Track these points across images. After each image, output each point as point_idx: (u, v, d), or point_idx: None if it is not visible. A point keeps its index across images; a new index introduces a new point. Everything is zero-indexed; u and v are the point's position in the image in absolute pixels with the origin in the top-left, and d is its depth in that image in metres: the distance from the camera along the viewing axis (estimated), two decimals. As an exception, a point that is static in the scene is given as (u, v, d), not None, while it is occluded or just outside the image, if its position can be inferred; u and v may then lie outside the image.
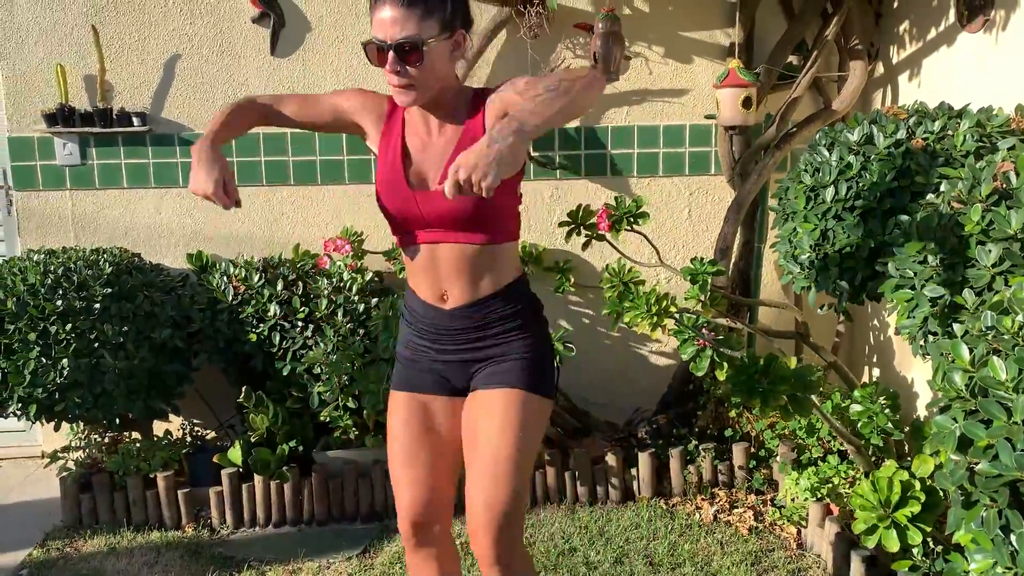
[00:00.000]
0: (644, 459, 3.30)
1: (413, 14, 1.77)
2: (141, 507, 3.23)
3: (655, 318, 2.74)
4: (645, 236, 3.31)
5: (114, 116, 3.52)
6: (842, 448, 3.11)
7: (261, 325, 3.29)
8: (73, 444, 3.34)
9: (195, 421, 3.77)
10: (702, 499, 3.24)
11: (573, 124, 3.70)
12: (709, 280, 3.15)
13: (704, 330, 2.94)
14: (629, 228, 3.17)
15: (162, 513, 3.23)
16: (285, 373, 3.26)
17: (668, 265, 3.40)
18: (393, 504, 3.25)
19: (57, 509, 3.29)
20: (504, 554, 1.87)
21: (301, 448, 3.35)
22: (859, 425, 2.95)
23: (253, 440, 3.30)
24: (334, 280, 3.33)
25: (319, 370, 3.21)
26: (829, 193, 2.54)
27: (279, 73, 3.59)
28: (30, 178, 3.58)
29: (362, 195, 3.66)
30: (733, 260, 3.69)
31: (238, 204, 1.78)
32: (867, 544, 2.28)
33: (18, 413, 3.05)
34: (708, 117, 3.64)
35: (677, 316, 2.83)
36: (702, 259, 3.14)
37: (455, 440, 2.03)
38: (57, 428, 3.16)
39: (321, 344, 3.23)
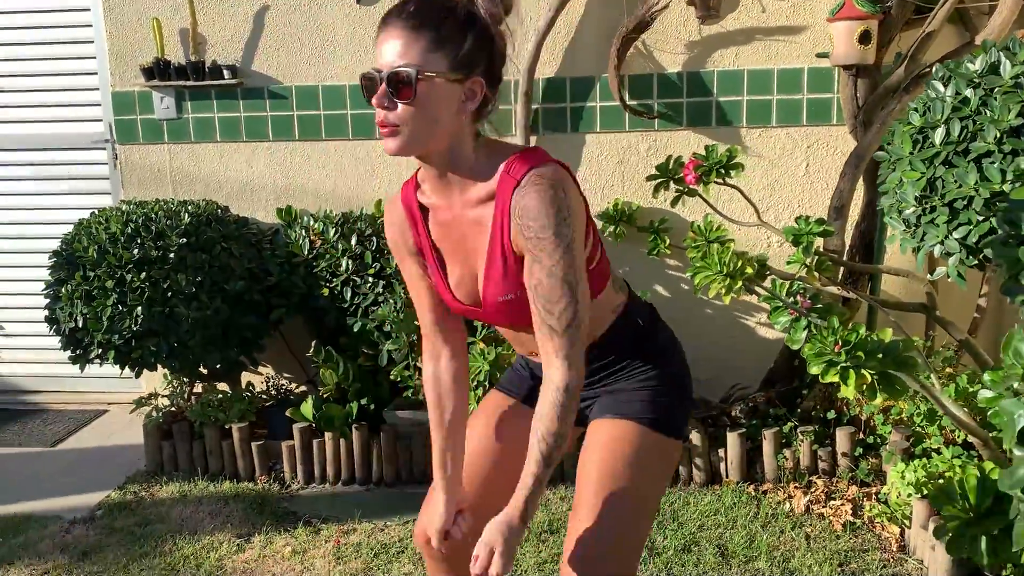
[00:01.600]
0: (733, 439, 2.97)
1: (419, 40, 1.43)
2: (217, 457, 3.26)
3: (729, 280, 2.42)
4: (739, 190, 2.95)
5: (206, 69, 3.53)
6: (970, 440, 2.66)
7: (334, 280, 3.22)
8: (160, 392, 3.42)
9: (285, 375, 3.78)
10: (796, 487, 2.88)
11: (675, 68, 3.37)
12: (814, 242, 2.77)
13: (799, 297, 2.58)
14: (720, 181, 2.83)
15: (236, 464, 3.24)
16: (356, 329, 3.18)
17: (767, 224, 3.03)
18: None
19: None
20: None
21: (373, 407, 3.26)
22: (988, 414, 2.49)
23: (324, 396, 3.25)
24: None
25: (389, 327, 3.11)
26: (939, 134, 2.12)
27: (365, 21, 3.48)
28: (131, 132, 3.67)
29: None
30: (855, 222, 3.25)
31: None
32: (952, 553, 1.90)
33: (99, 359, 3.13)
34: (820, 55, 3.21)
35: (761, 280, 2.49)
36: (807, 218, 2.77)
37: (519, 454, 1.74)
38: (137, 376, 3.23)
39: (391, 300, 3.12)
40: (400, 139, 1.44)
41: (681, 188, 2.99)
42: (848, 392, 2.18)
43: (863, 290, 3.21)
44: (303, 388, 3.69)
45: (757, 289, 2.60)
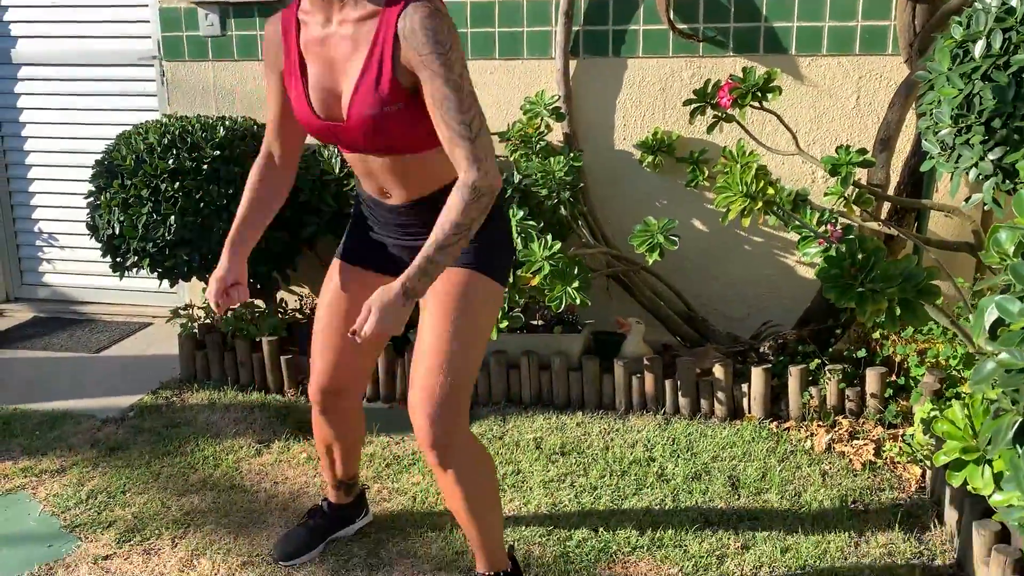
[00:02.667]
0: (757, 374, 2.89)
1: None
2: (248, 368, 3.33)
3: (749, 201, 2.33)
4: (777, 115, 2.83)
5: (249, -14, 3.54)
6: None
7: (363, 198, 3.21)
8: (196, 304, 3.50)
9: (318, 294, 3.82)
10: (819, 426, 2.79)
11: (721, -7, 3.23)
12: (854, 173, 2.65)
13: (830, 227, 2.48)
14: (756, 105, 2.72)
15: (266, 377, 3.31)
16: (384, 249, 3.18)
17: (805, 153, 2.90)
18: (482, 392, 3.12)
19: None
20: (440, 438, 1.80)
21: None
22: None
23: (351, 314, 3.27)
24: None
25: (415, 248, 3.10)
26: (979, 47, 1.98)
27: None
28: (178, 48, 3.71)
29: (493, 71, 3.45)
30: (904, 157, 3.09)
31: (228, 310, 1.86)
32: (952, 482, 1.81)
33: (135, 267, 3.21)
34: (874, -25, 3.03)
35: (780, 204, 2.40)
36: (847, 147, 2.64)
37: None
38: (172, 284, 3.30)
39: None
40: None
41: (718, 114, 2.88)
42: (864, 319, 2.09)
43: (908, 228, 3.07)
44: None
45: (759, 206, 2.50)
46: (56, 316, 4.14)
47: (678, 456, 2.67)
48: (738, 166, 2.46)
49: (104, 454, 2.82)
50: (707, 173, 3.29)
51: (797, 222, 2.49)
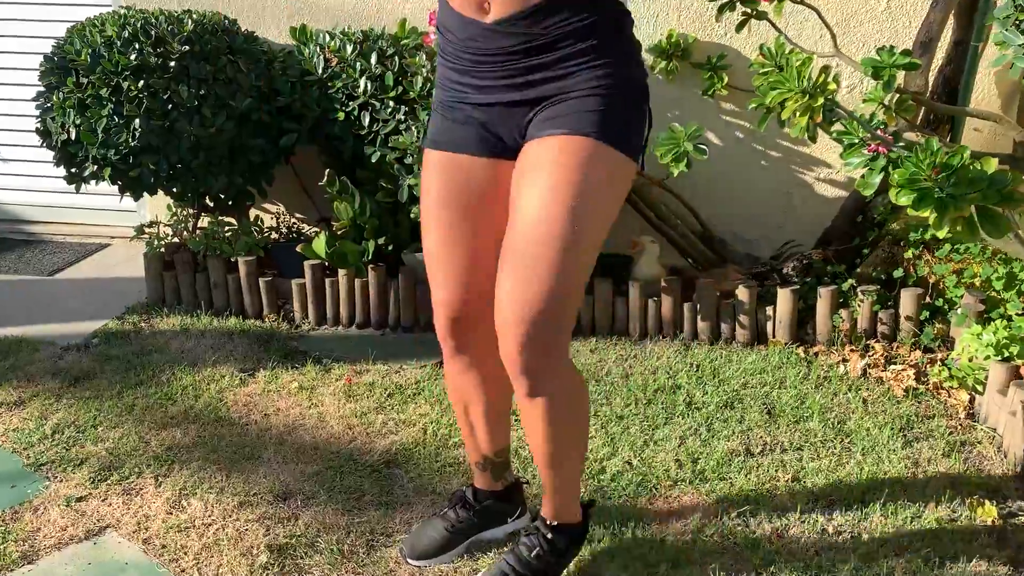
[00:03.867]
0: (784, 296, 2.70)
1: None
2: (223, 291, 3.03)
3: (808, 99, 2.08)
4: (817, 12, 2.57)
5: None
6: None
7: (350, 103, 2.90)
8: (162, 222, 3.17)
9: (296, 214, 3.52)
10: (852, 350, 2.62)
11: None
12: (897, 77, 2.42)
13: (880, 132, 2.26)
14: (798, 0, 2.46)
15: (243, 300, 3.01)
16: (374, 160, 2.88)
17: (843, 55, 2.66)
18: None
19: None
20: (533, 364, 1.44)
21: (391, 248, 3.00)
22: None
23: (338, 232, 2.99)
24: (435, 60, 2.86)
25: (410, 159, 2.81)
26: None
27: None
28: (133, -67, 3.30)
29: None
30: (939, 65, 2.87)
31: None
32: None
33: (95, 178, 2.87)
34: None
35: (840, 111, 2.16)
36: (891, 48, 2.40)
37: (496, 214, 1.55)
38: (136, 198, 2.97)
39: (413, 128, 2.81)
40: None
41: (749, 10, 2.62)
42: (939, 231, 1.89)
43: (943, 137, 2.86)
44: (315, 229, 3.42)
45: (818, 103, 2.26)
46: (2, 237, 3.76)
47: (705, 383, 2.48)
48: (794, 57, 2.21)
49: (68, 384, 2.53)
50: (726, 80, 3.03)
51: (844, 128, 2.26)
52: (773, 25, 2.61)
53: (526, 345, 1.42)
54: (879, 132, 2.27)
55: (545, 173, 1.41)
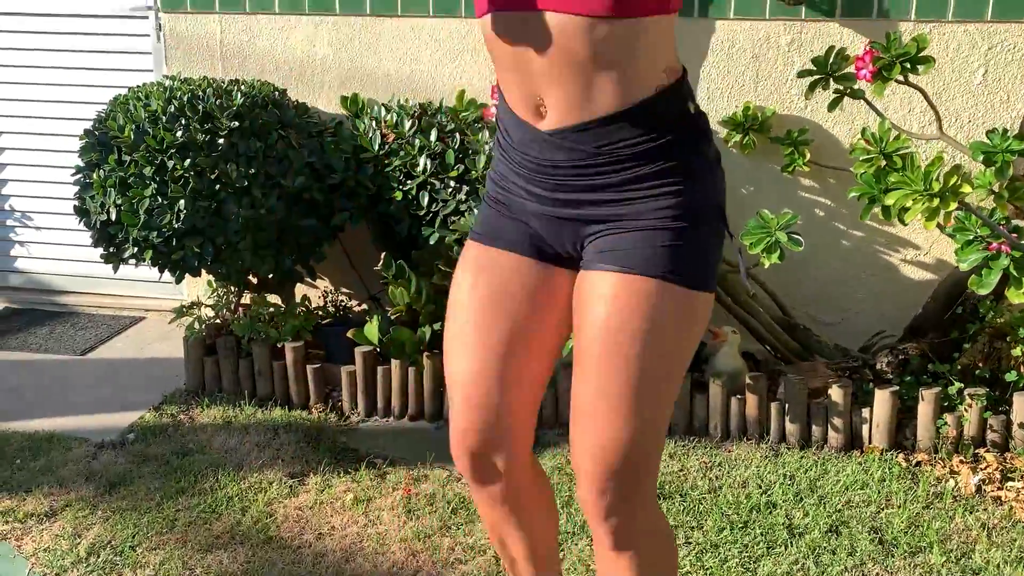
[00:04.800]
0: (882, 398, 2.46)
1: None
2: (267, 379, 2.83)
3: (937, 202, 1.87)
4: (924, 93, 2.37)
5: (266, -76, 2.98)
6: None
7: (409, 182, 2.72)
8: (204, 301, 2.98)
9: (343, 291, 3.33)
10: (960, 461, 2.38)
11: (832, -56, 2.74)
12: (1012, 162, 2.22)
13: (1003, 228, 2.05)
14: (902, 79, 2.26)
15: (289, 388, 2.81)
16: (433, 242, 2.69)
17: (950, 138, 2.45)
18: (549, 413, 2.65)
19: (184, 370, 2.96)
20: (616, 509, 1.26)
21: (447, 333, 2.79)
22: None
23: (392, 317, 2.79)
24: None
25: (472, 241, 2.61)
26: None
27: None
28: (178, -2, 3.15)
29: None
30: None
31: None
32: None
33: (135, 259, 2.69)
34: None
35: (965, 205, 1.95)
36: (1004, 131, 2.20)
37: (545, 327, 1.35)
38: (178, 281, 2.78)
39: (475, 209, 2.61)
40: None
41: (843, 88, 2.42)
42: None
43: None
44: (363, 307, 3.23)
45: (951, 207, 2.05)
46: (32, 308, 3.59)
47: (803, 501, 2.24)
48: (916, 154, 2.01)
49: (103, 491, 2.32)
50: (808, 156, 2.83)
51: (959, 222, 2.05)
52: (871, 106, 2.41)
53: (607, 490, 1.26)
54: (1001, 228, 2.06)
55: (614, 316, 1.23)
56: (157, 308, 3.50)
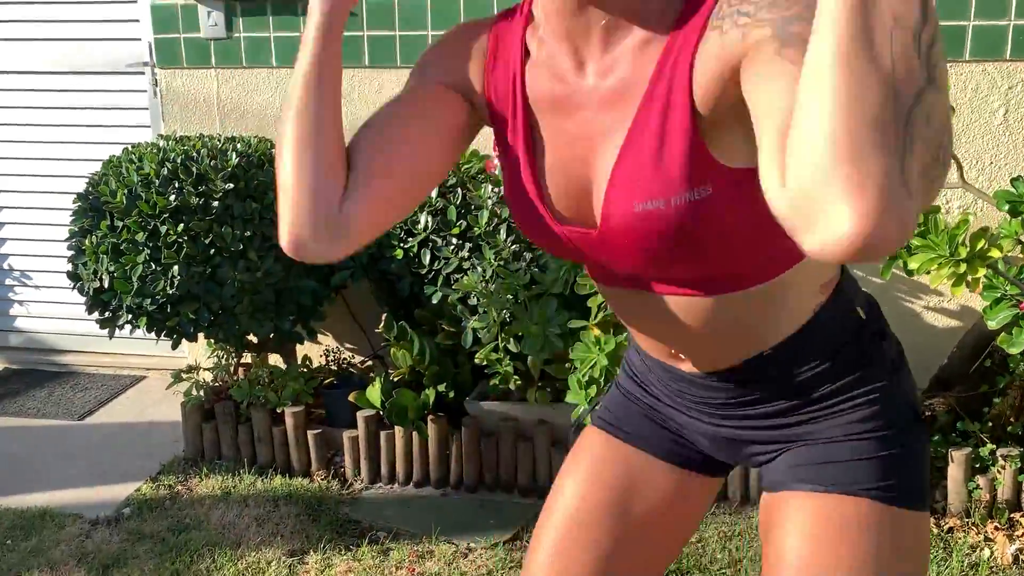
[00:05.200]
0: (910, 460, 2.34)
1: None
2: (267, 445, 2.74)
3: (963, 267, 1.76)
4: (956, 159, 2.26)
5: (261, -22, 2.93)
6: None
7: (409, 239, 2.63)
8: (201, 364, 2.90)
9: (347, 345, 3.24)
10: (995, 527, 2.25)
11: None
12: (1039, 212, 2.11)
13: (1032, 287, 1.94)
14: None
15: (289, 455, 2.72)
16: (435, 301, 2.60)
17: (972, 186, 2.34)
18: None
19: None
20: None
21: (452, 394, 2.70)
22: None
23: (395, 379, 2.69)
24: (500, 189, 2.60)
25: (475, 300, 2.52)
26: None
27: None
28: (174, 54, 3.10)
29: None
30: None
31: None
32: None
33: (130, 325, 2.62)
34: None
35: (993, 267, 1.84)
36: (1030, 179, 2.10)
37: (667, 544, 1.17)
38: (174, 347, 2.70)
39: (479, 268, 2.52)
40: None
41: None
42: None
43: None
44: (368, 362, 3.14)
45: (980, 273, 1.94)
46: (32, 368, 3.52)
47: (829, 575, 2.11)
48: (940, 216, 1.90)
49: (96, 573, 2.23)
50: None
51: (988, 278, 1.94)
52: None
53: None
54: (1032, 287, 1.94)
55: (812, 550, 0.98)
56: (158, 367, 3.42)
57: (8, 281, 3.57)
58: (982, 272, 1.74)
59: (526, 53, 0.93)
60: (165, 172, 2.53)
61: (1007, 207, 2.09)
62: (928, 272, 1.79)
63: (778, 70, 0.73)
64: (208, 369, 2.88)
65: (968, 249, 1.75)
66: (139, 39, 3.18)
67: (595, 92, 0.89)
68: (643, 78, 0.86)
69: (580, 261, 1.01)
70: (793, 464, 1.03)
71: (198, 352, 3.09)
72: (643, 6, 0.85)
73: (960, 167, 2.30)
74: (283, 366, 2.95)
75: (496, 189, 2.61)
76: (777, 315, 0.98)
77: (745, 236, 0.87)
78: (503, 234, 2.52)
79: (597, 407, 1.21)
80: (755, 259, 0.92)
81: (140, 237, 2.48)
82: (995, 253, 1.78)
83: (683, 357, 1.05)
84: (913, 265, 1.83)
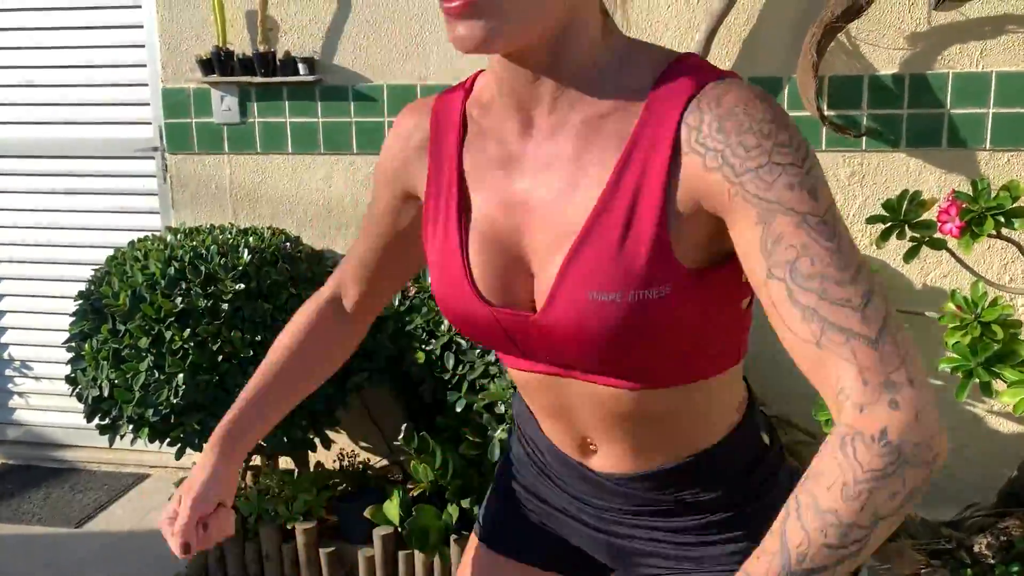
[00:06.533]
0: (988, 595, 2.11)
1: None
2: (276, 562, 2.53)
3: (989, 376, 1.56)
4: (1020, 248, 2.08)
5: (278, 62, 2.80)
6: None
7: (432, 342, 2.44)
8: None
9: (362, 445, 3.04)
10: None
11: (891, 70, 2.50)
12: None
13: None
14: (995, 233, 1.97)
15: (300, 574, 2.50)
16: (459, 409, 2.40)
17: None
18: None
19: (186, 548, 2.66)
20: None
21: (477, 509, 2.48)
22: None
23: (414, 494, 2.48)
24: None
25: (502, 409, 2.32)
26: None
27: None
28: (185, 138, 2.96)
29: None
30: None
31: (186, 552, 0.96)
32: None
33: (131, 435, 2.43)
34: None
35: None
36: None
37: None
38: (178, 456, 2.50)
39: (506, 375, 2.33)
40: (488, 21, 0.75)
41: (920, 236, 2.13)
42: None
43: None
44: (384, 462, 2.94)
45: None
46: (30, 464, 3.33)
47: None
48: (953, 318, 1.71)
49: None
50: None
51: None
52: (957, 259, 2.12)
53: None
54: None
55: None
56: (161, 464, 3.23)
57: (7, 372, 3.39)
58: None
59: (465, 125, 0.92)
60: (172, 272, 2.36)
61: (1091, 318, 1.89)
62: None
63: (771, 236, 0.73)
64: (214, 477, 2.67)
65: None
66: (149, 123, 3.04)
67: (541, 158, 0.85)
68: (601, 159, 0.81)
69: (498, 346, 0.94)
70: None
71: (204, 454, 2.90)
72: (600, 81, 0.82)
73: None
74: (294, 469, 2.75)
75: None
76: (697, 422, 0.95)
77: (691, 335, 0.85)
78: (534, 339, 2.33)
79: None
80: (695, 358, 0.89)
81: (143, 343, 2.30)
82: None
83: (592, 448, 0.98)
84: (1007, 400, 1.63)
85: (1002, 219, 1.93)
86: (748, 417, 0.99)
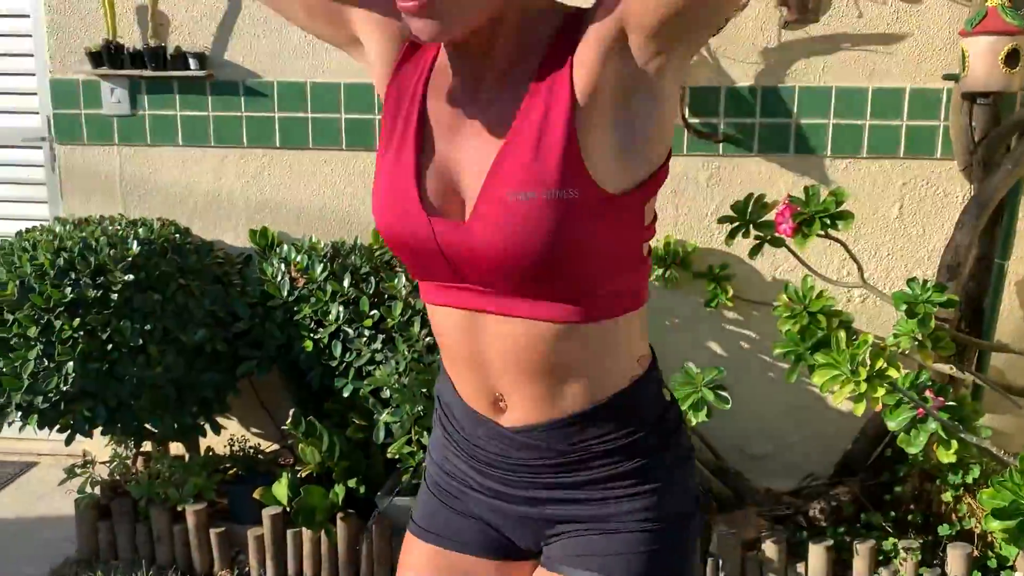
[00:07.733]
0: (817, 553, 2.38)
1: None
2: (167, 544, 2.61)
3: (865, 386, 1.81)
4: (846, 247, 2.34)
5: (168, 56, 2.85)
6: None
7: (320, 330, 2.57)
8: (97, 456, 2.75)
9: (253, 430, 3.13)
10: (899, 622, 2.30)
11: (746, 83, 2.75)
12: (933, 314, 2.19)
13: (929, 393, 2.00)
14: (823, 233, 2.23)
15: (191, 555, 2.60)
16: (346, 394, 2.54)
17: (872, 287, 2.43)
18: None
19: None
20: None
21: (363, 489, 2.63)
22: None
23: (303, 475, 2.61)
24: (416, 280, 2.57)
25: (388, 394, 2.47)
26: None
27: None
28: (74, 129, 2.98)
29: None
30: (962, 280, 2.66)
31: None
32: None
33: (20, 422, 2.47)
34: (948, 78, 2.60)
35: (895, 379, 1.90)
36: (924, 282, 2.18)
37: None
38: (68, 443, 2.56)
39: (392, 361, 2.48)
40: (437, 23, 0.92)
41: (763, 236, 2.38)
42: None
43: (968, 364, 2.63)
44: (274, 447, 3.05)
45: (880, 392, 2.00)
46: (-90, 454, 3.29)
47: None
48: (842, 333, 1.96)
49: None
50: (731, 292, 2.78)
51: (889, 386, 2.00)
52: (795, 256, 2.38)
53: None
54: (928, 393, 2.01)
55: None
56: (50, 452, 3.25)
57: None
58: (881, 392, 1.80)
59: (430, 73, 1.05)
60: (61, 262, 2.42)
61: (904, 307, 2.17)
62: (831, 392, 1.84)
63: None
64: (104, 462, 2.74)
65: (868, 368, 1.81)
66: (36, 112, 3.05)
67: (490, 99, 0.99)
68: (521, 93, 0.96)
69: (431, 266, 1.03)
70: (575, 553, 1.09)
71: (94, 444, 2.94)
72: (531, 35, 0.98)
73: (860, 269, 2.38)
74: (185, 454, 2.84)
75: (409, 279, 2.58)
76: (603, 369, 1.03)
77: (600, 257, 0.96)
78: (417, 327, 2.49)
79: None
80: (604, 286, 0.99)
81: (32, 332, 2.36)
82: (893, 373, 1.84)
83: (502, 405, 1.07)
84: (816, 381, 1.88)
85: (828, 221, 2.19)
86: (651, 371, 1.09)
